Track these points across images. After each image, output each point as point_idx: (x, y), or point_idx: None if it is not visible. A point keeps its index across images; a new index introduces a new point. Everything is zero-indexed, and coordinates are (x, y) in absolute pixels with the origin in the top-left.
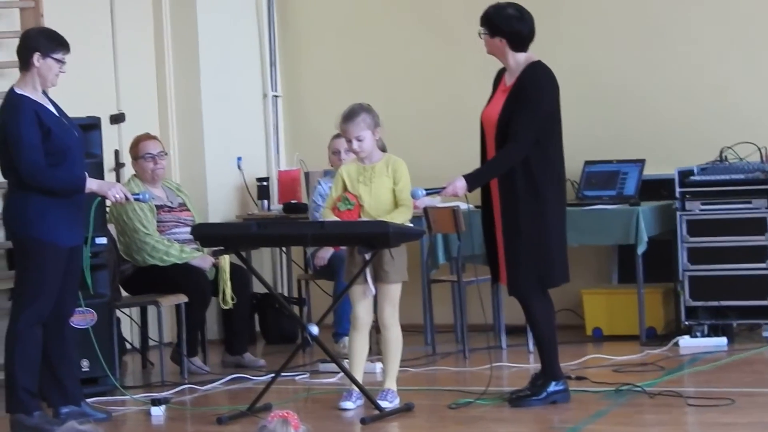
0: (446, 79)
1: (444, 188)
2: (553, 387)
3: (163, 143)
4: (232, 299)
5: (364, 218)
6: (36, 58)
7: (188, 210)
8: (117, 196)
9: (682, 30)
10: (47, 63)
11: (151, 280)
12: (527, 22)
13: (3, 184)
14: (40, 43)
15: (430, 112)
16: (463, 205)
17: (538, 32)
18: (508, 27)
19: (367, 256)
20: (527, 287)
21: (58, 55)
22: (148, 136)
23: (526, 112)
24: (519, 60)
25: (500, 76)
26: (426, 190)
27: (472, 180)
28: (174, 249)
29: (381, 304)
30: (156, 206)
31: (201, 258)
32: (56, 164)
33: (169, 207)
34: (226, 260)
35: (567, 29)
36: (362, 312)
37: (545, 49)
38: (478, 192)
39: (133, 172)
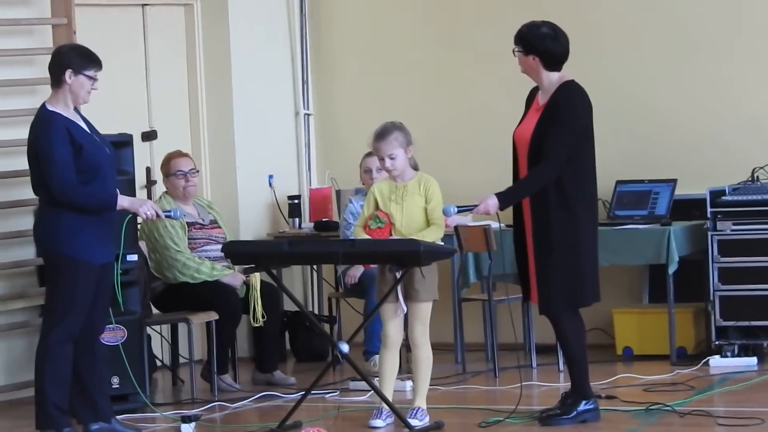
0: (479, 97)
1: (476, 206)
2: (583, 406)
3: (194, 160)
4: (263, 317)
5: (395, 236)
6: (68, 75)
7: (220, 227)
8: (148, 213)
9: (714, 49)
10: (79, 80)
11: (182, 298)
12: (561, 41)
13: (34, 200)
14: (72, 60)
15: (462, 131)
16: (495, 224)
17: (571, 52)
18: (542, 46)
19: (398, 275)
20: (558, 306)
21: (90, 72)
22: (179, 154)
23: (559, 131)
24: (552, 79)
25: (533, 95)
26: (458, 207)
27: (504, 198)
28: (205, 266)
29: (411, 323)
30: (187, 223)
31: (232, 276)
32: (88, 181)
33: (201, 224)
34: (256, 278)
35: (600, 50)
36: (393, 330)
37: (577, 68)
38: (509, 211)
39: (165, 189)
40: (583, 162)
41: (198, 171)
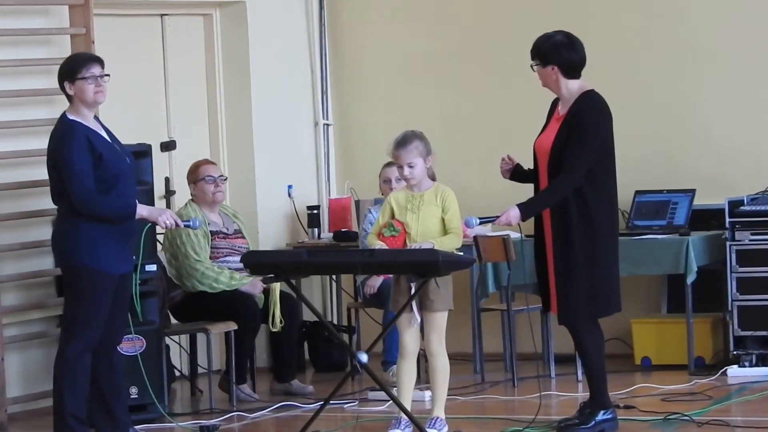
0: (499, 108)
1: (498, 217)
2: (601, 416)
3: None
4: (281, 322)
5: (410, 245)
6: (67, 86)
7: (243, 237)
8: (167, 222)
9: (734, 59)
10: (78, 86)
11: (201, 307)
12: (577, 48)
13: (52, 210)
14: (64, 70)
15: (482, 141)
16: (515, 235)
17: (590, 61)
18: (559, 54)
19: (413, 286)
20: (578, 317)
21: (83, 74)
22: (207, 161)
23: (580, 142)
24: (572, 89)
25: (555, 105)
26: (480, 218)
27: (525, 209)
28: (224, 276)
29: (427, 333)
30: (211, 232)
31: (251, 284)
32: (107, 190)
33: (225, 233)
34: (276, 285)
35: (619, 60)
36: (409, 340)
37: (596, 78)
38: (530, 221)
39: (189, 197)
40: (604, 172)
41: (226, 178)
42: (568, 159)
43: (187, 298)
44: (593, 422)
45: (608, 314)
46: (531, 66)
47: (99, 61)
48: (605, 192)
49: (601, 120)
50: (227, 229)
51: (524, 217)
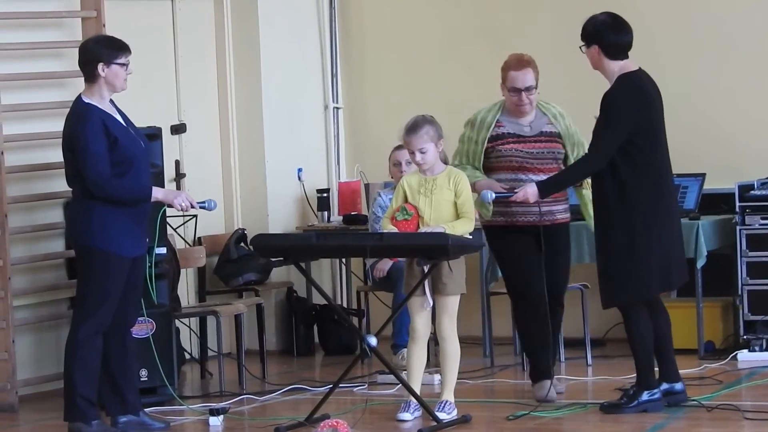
0: None
1: (515, 193)
2: (646, 396)
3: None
4: None
5: (423, 229)
6: (101, 68)
7: None
8: (183, 204)
9: (745, 44)
10: (113, 70)
11: None
12: (621, 29)
13: (64, 193)
14: (101, 52)
15: None
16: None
17: None
18: (599, 33)
19: (426, 269)
20: (619, 298)
21: (121, 60)
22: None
23: (603, 126)
24: (613, 70)
25: None
26: (496, 193)
27: (543, 187)
28: None
29: (439, 316)
30: None
31: None
32: (122, 174)
33: None
34: None
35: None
36: (420, 324)
37: None
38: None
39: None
40: (644, 152)
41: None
42: (592, 141)
43: None
44: (636, 402)
45: (651, 295)
46: (580, 48)
47: (130, 51)
48: (646, 172)
49: (630, 102)
50: None
51: (542, 195)
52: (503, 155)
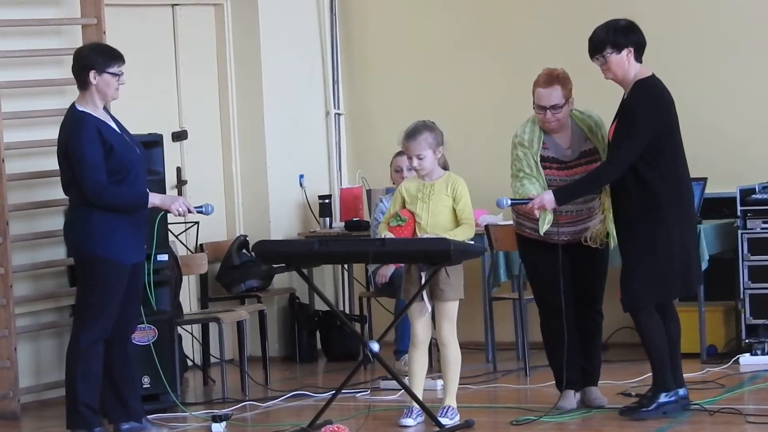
0: (511, 97)
1: (531, 200)
2: (663, 398)
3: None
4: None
5: (420, 235)
6: (92, 75)
7: None
8: (180, 209)
9: (745, 48)
10: (104, 79)
11: None
12: (640, 30)
13: (64, 200)
14: (94, 60)
15: (494, 130)
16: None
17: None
18: (631, 36)
19: (423, 274)
20: (639, 301)
21: (113, 69)
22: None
23: (623, 134)
24: (635, 74)
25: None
26: (511, 200)
27: (560, 195)
28: None
29: (439, 322)
30: None
31: None
32: (119, 181)
33: None
34: None
35: None
36: (420, 329)
37: None
38: None
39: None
40: (667, 156)
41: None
42: (611, 149)
43: None
44: (655, 405)
45: (673, 297)
46: (597, 58)
47: (124, 61)
48: (670, 176)
49: (653, 109)
50: None
51: (559, 203)
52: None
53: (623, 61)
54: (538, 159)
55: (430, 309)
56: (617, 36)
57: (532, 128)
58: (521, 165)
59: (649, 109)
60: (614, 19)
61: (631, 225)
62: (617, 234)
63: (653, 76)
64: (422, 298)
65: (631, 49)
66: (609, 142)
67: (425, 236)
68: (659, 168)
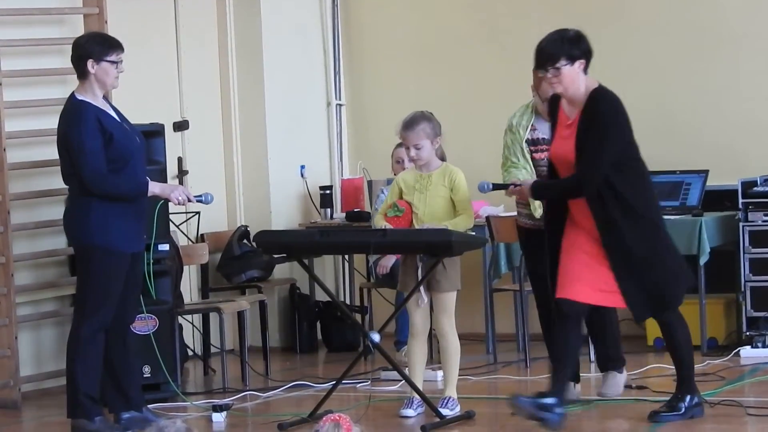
0: (511, 88)
1: (512, 185)
2: (688, 401)
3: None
4: None
5: (417, 226)
6: (90, 64)
7: None
8: (179, 198)
9: (747, 41)
10: (102, 67)
11: None
12: (587, 39)
13: (65, 189)
14: (91, 49)
15: (493, 121)
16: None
17: (601, 47)
18: (582, 47)
19: (421, 265)
20: (673, 299)
21: (111, 57)
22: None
23: (595, 147)
24: (585, 85)
25: (555, 105)
26: (493, 184)
27: (537, 189)
28: None
29: (436, 313)
30: None
31: None
32: (118, 170)
33: None
34: None
35: (632, 42)
36: (419, 319)
37: (610, 60)
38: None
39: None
40: (635, 164)
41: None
42: (583, 166)
43: None
44: (683, 409)
45: (681, 300)
46: (548, 71)
47: (123, 49)
48: (641, 183)
49: (619, 118)
50: None
51: (533, 196)
52: (538, 165)
53: (576, 72)
54: (524, 145)
55: (426, 300)
56: (572, 47)
57: (523, 111)
58: (509, 153)
59: (618, 117)
60: (563, 29)
61: (620, 239)
62: (608, 251)
63: (601, 84)
64: (418, 290)
65: (583, 61)
66: (578, 156)
67: (427, 226)
68: (634, 174)
